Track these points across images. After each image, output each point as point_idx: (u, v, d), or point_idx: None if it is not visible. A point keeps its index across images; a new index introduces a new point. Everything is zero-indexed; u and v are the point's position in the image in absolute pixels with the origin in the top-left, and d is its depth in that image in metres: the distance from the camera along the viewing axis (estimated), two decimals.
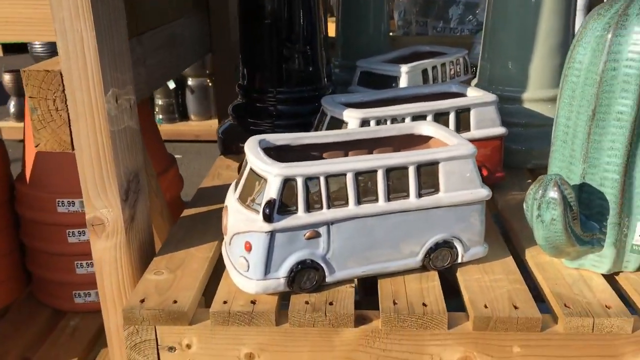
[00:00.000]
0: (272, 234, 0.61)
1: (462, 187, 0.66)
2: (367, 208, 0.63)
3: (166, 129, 2.81)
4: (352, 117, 0.79)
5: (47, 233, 0.91)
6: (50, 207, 0.90)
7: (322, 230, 0.62)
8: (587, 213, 0.66)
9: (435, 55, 1.14)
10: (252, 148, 0.65)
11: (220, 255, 0.74)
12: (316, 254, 0.63)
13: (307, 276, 0.63)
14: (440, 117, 0.82)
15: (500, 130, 0.85)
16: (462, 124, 0.83)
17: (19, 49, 4.27)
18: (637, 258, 0.66)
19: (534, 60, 0.95)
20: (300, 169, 0.61)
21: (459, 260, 0.68)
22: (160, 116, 2.94)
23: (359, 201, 0.63)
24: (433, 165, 0.65)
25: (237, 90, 1.02)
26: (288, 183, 0.61)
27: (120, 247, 0.69)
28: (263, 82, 0.99)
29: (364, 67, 1.08)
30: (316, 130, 0.86)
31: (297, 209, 0.61)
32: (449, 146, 0.67)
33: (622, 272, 0.68)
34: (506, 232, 0.79)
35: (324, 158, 0.71)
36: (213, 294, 0.71)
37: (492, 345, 0.62)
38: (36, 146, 0.66)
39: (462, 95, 0.89)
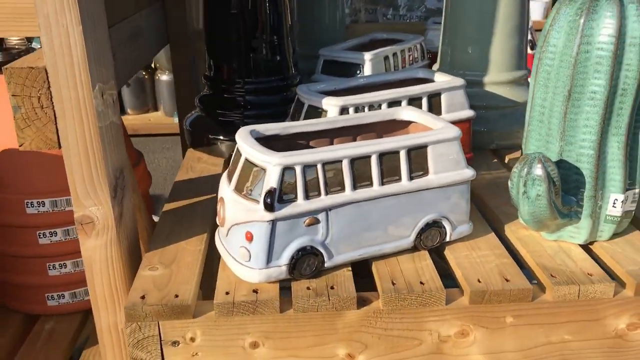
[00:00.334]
0: (273, 223, 0.62)
1: (449, 168, 0.68)
2: (362, 193, 0.65)
3: None
4: (331, 105, 0.80)
5: (17, 236, 0.88)
6: (19, 209, 0.87)
7: (321, 216, 0.64)
8: (564, 188, 0.70)
9: (393, 43, 1.16)
10: (246, 139, 0.65)
11: (209, 247, 0.74)
12: (315, 240, 0.64)
13: (307, 262, 0.64)
14: (414, 102, 0.85)
15: (468, 113, 0.89)
16: (434, 108, 0.86)
17: None
18: (610, 227, 0.71)
19: (493, 43, 0.99)
20: (298, 158, 0.62)
21: (447, 239, 0.71)
22: None
23: (354, 186, 0.65)
24: (422, 148, 0.67)
25: (204, 82, 1.02)
26: (287, 172, 0.62)
27: (111, 244, 0.68)
28: (231, 73, 0.99)
29: (327, 56, 1.09)
30: (292, 119, 0.87)
31: (296, 197, 0.62)
32: (436, 129, 0.69)
33: (596, 241, 0.73)
34: (481, 210, 0.82)
35: (311, 146, 0.72)
36: (205, 286, 0.72)
37: (487, 318, 0.65)
38: (20, 145, 0.64)
39: (430, 80, 0.91)
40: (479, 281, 0.65)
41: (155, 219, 0.92)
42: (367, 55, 1.05)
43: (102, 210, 0.67)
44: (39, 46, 0.63)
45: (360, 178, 0.65)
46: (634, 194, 0.70)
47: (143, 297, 0.63)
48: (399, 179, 0.66)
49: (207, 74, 1.01)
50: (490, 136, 1.00)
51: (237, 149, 0.67)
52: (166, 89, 2.62)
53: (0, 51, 1.11)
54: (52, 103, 0.63)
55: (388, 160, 0.66)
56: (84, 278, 0.91)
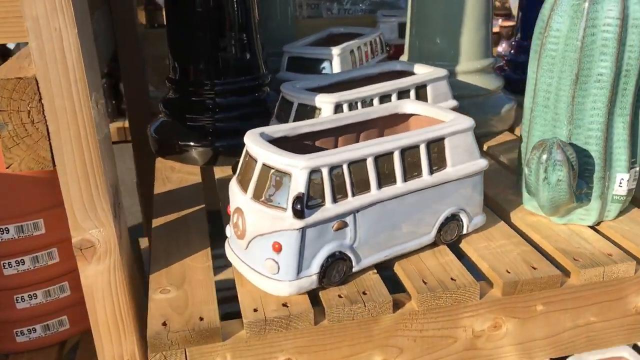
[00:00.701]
0: (303, 231, 0.58)
1: (465, 159, 0.67)
2: (387, 191, 0.62)
3: None
4: (325, 102, 0.77)
5: None
6: None
7: (349, 219, 0.61)
8: None
9: (352, 37, 1.14)
10: (261, 143, 0.61)
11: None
12: (344, 245, 0.61)
13: (336, 269, 0.61)
14: (403, 95, 0.83)
15: (452, 103, 0.88)
16: (421, 99, 0.85)
17: None
18: (617, 207, 0.72)
19: (462, 33, 0.99)
20: (324, 159, 0.58)
21: (464, 232, 0.70)
22: None
23: (380, 185, 0.62)
24: (440, 141, 0.65)
25: (168, 85, 0.95)
26: (313, 175, 0.58)
27: (114, 269, 0.61)
28: (198, 75, 0.93)
29: (292, 53, 1.06)
30: (279, 119, 0.83)
31: (324, 201, 0.59)
32: (450, 121, 0.67)
33: (602, 221, 0.74)
34: None
35: (318, 146, 0.69)
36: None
37: (519, 308, 0.64)
38: (8, 167, 0.57)
39: (410, 72, 0.90)
40: (507, 272, 0.64)
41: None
42: (336, 50, 1.03)
43: (104, 232, 0.60)
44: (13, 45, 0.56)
45: (384, 176, 0.62)
46: (635, 172, 0.72)
47: (165, 324, 0.57)
48: (419, 175, 0.64)
49: (172, 77, 0.94)
50: None
51: (249, 154, 0.62)
52: None
53: None
54: (45, 117, 0.56)
55: (408, 155, 0.64)
56: (58, 308, 0.84)
